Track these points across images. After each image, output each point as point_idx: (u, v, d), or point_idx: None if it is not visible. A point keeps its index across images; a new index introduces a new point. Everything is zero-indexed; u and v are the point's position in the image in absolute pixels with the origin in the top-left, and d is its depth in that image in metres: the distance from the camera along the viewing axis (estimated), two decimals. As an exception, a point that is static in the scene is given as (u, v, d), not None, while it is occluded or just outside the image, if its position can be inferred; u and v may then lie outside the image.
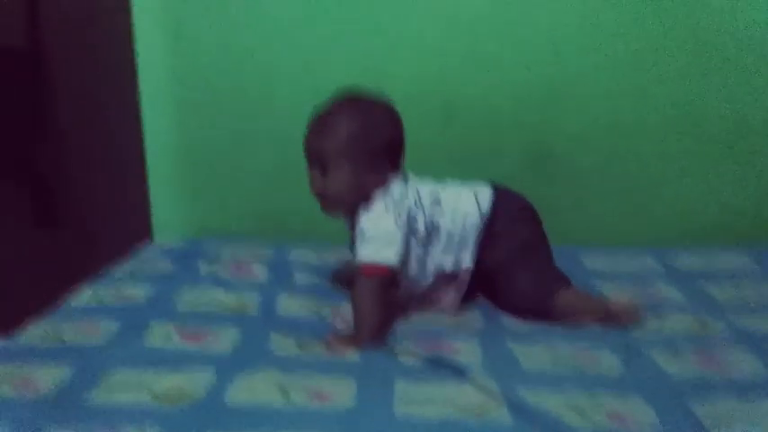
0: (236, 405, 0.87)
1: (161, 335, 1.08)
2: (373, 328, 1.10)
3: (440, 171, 1.28)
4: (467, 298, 1.24)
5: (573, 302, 1.16)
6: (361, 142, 1.15)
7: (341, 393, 0.90)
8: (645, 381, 0.95)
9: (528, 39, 1.57)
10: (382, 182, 1.17)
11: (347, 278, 1.25)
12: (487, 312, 1.22)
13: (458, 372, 0.96)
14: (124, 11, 1.61)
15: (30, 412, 0.83)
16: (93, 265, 1.38)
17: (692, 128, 1.61)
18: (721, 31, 1.54)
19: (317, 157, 1.17)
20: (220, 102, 1.65)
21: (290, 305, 1.24)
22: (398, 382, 0.93)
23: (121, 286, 1.29)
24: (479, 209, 1.20)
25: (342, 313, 1.20)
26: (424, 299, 1.23)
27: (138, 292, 1.26)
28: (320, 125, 1.17)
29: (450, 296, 1.23)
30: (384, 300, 1.12)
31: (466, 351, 1.04)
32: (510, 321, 1.18)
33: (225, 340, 1.07)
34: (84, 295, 1.25)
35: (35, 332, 1.08)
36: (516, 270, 1.19)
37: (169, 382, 0.92)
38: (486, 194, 1.22)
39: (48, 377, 0.92)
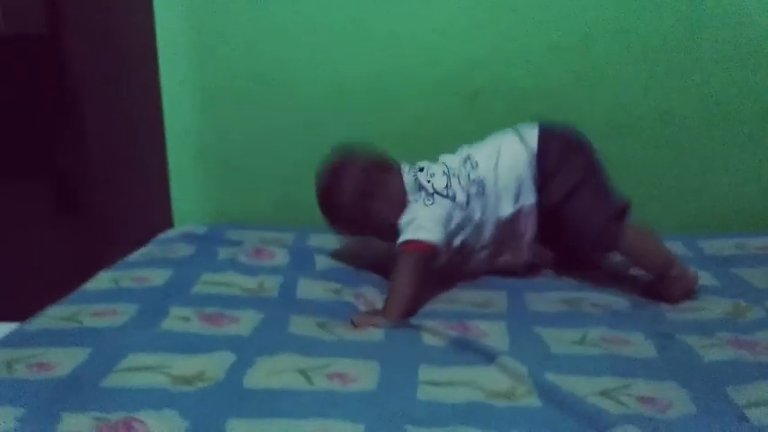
0: (256, 388, 0.85)
1: (179, 318, 1.06)
2: (406, 300, 1.11)
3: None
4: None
5: (642, 242, 1.17)
6: (350, 209, 1.22)
7: (364, 376, 0.88)
8: (679, 365, 0.92)
9: (556, 22, 1.54)
10: (395, 194, 1.22)
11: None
12: (513, 294, 1.20)
13: (486, 355, 0.93)
14: (146, 2, 1.61)
15: (47, 395, 0.82)
16: (115, 256, 1.37)
17: (719, 115, 1.56)
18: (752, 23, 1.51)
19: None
20: (241, 91, 1.64)
21: (310, 288, 1.22)
22: (422, 365, 0.91)
23: (140, 270, 1.28)
24: (526, 147, 1.22)
25: (364, 295, 1.19)
26: (497, 252, 1.26)
27: (156, 276, 1.24)
28: (320, 207, 1.26)
29: (526, 235, 1.24)
30: (421, 276, 1.13)
31: (493, 333, 1.02)
32: (536, 302, 1.16)
33: (244, 323, 1.05)
34: (103, 278, 1.24)
35: (53, 315, 1.07)
36: (576, 202, 1.18)
37: (187, 365, 0.90)
38: (531, 133, 1.23)
39: (66, 360, 0.91)
